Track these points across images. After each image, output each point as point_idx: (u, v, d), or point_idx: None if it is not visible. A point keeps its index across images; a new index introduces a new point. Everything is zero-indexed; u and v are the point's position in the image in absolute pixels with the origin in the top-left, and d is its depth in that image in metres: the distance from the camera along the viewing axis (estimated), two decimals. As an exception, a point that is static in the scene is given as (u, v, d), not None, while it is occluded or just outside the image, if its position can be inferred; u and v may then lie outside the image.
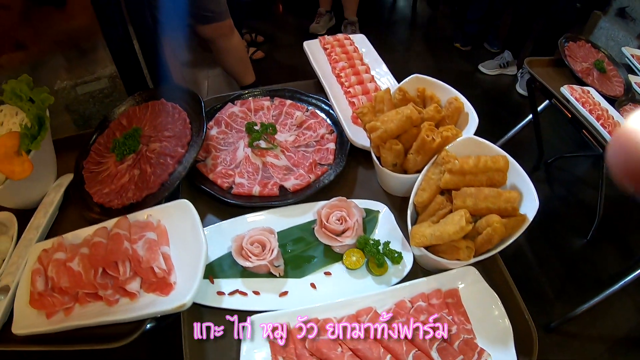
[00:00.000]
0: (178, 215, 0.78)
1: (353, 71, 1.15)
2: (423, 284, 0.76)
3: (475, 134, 0.83)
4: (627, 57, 1.66)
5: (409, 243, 0.80)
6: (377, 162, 0.87)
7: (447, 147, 0.78)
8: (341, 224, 0.82)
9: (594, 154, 1.82)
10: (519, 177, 0.75)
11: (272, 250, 0.76)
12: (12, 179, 0.82)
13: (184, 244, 0.75)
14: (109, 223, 0.80)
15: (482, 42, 3.10)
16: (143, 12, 0.96)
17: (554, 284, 1.72)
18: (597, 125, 1.26)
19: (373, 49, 1.26)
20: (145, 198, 0.88)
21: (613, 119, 1.30)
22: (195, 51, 2.80)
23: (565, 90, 1.35)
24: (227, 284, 0.76)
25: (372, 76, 1.15)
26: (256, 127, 1.02)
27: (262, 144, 0.99)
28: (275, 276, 0.77)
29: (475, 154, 0.77)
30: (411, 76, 0.92)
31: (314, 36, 3.04)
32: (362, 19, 3.15)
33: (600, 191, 1.79)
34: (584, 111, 1.29)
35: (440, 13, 3.70)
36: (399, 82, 1.11)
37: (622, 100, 1.42)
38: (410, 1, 3.84)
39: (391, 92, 0.90)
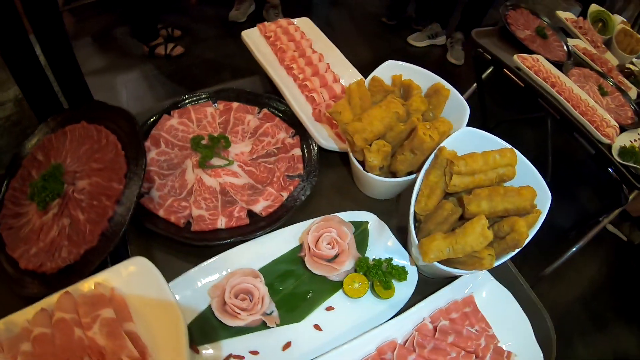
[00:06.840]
0: (135, 278, 0.61)
1: (305, 61, 1.00)
2: (439, 299, 0.69)
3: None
4: (562, 21, 1.70)
5: (410, 254, 0.73)
6: (360, 168, 0.76)
7: (442, 144, 0.69)
8: (333, 247, 0.70)
9: (536, 115, 1.89)
10: (525, 169, 0.69)
11: (262, 299, 0.63)
12: None
13: (150, 314, 0.59)
14: (48, 302, 0.60)
15: (406, 14, 3.05)
16: (50, 13, 0.70)
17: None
18: (554, 92, 1.27)
19: (322, 34, 1.12)
20: (84, 255, 0.70)
21: (566, 84, 1.32)
22: (109, 54, 2.40)
23: (517, 59, 1.34)
24: (216, 349, 0.62)
25: (328, 64, 1.02)
26: (204, 142, 0.85)
27: (215, 161, 0.83)
28: (271, 327, 0.64)
29: (473, 148, 0.69)
30: (385, 63, 0.82)
31: (234, 25, 2.78)
32: (283, 2, 2.92)
33: (547, 148, 1.86)
34: (539, 80, 1.29)
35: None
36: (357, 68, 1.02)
37: (568, 64, 1.45)
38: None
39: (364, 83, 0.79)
